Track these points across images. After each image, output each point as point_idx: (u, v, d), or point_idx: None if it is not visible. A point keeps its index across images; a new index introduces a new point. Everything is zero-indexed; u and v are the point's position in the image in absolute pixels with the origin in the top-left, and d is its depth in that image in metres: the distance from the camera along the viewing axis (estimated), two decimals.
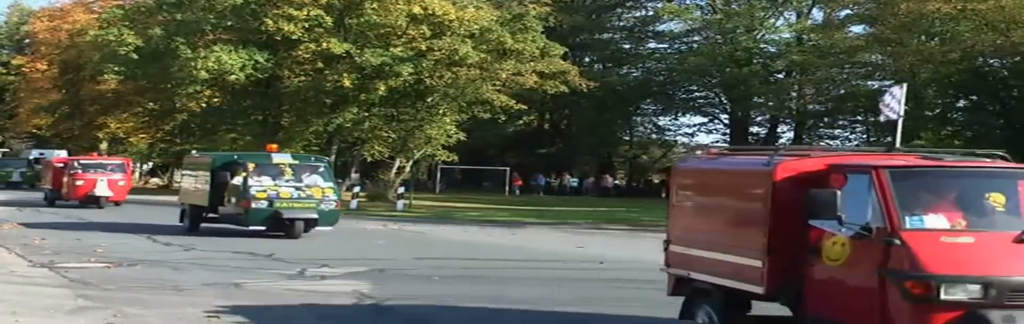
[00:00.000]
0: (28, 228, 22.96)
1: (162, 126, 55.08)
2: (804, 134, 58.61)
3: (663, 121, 63.83)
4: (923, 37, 45.14)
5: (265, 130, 47.13)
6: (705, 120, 60.90)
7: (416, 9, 41.66)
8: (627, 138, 65.40)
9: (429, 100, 44.69)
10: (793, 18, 57.11)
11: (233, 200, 21.87)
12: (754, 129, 59.69)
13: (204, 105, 49.46)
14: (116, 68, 45.47)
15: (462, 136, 45.40)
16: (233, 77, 41.92)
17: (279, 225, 21.34)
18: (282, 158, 23.12)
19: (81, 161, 35.01)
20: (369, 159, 48.47)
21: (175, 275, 14.29)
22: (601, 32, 62.02)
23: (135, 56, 43.46)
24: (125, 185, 34.44)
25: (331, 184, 22.43)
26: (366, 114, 44.24)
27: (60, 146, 61.34)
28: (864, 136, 57.72)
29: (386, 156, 48.04)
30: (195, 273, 14.54)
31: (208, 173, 22.98)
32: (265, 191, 21.38)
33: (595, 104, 55.40)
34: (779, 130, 59.38)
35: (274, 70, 43.76)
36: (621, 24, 63.10)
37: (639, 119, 64.60)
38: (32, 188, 48.41)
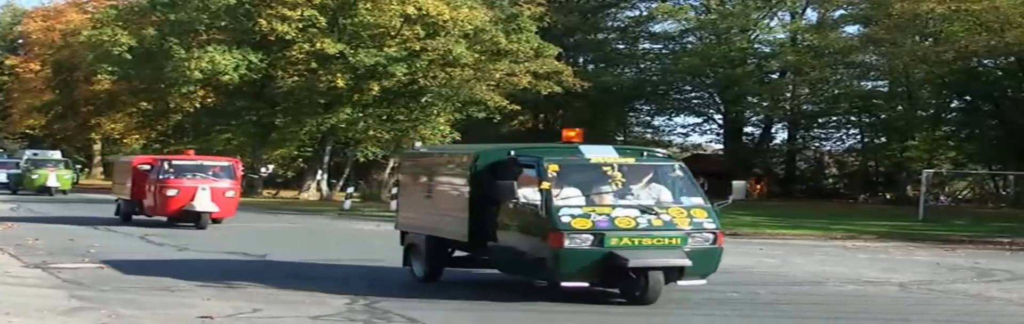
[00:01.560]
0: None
1: (156, 126, 55.08)
2: (798, 134, 58.67)
3: (657, 121, 63.88)
4: (917, 37, 45.24)
5: (259, 130, 47.14)
6: (699, 120, 60.95)
7: (410, 9, 41.67)
8: (621, 138, 65.35)
9: (423, 100, 44.69)
10: (787, 18, 57.18)
11: (518, 231, 12.18)
12: (748, 129, 59.77)
13: (198, 105, 49.49)
14: (110, 68, 45.49)
15: (456, 136, 45.42)
16: (227, 77, 41.91)
17: (615, 279, 11.88)
18: (602, 153, 12.76)
19: (174, 162, 25.67)
20: (362, 160, 48.48)
21: (169, 275, 14.26)
22: (595, 32, 62.01)
23: (128, 56, 43.45)
24: (234, 197, 25.48)
25: (700, 200, 12.41)
26: (360, 114, 44.24)
27: (53, 146, 61.29)
28: (858, 137, 57.77)
29: (379, 156, 48.06)
30: (189, 273, 14.50)
31: (463, 181, 13.04)
32: (587, 216, 11.74)
33: (589, 104, 55.39)
34: (773, 130, 59.46)
35: (268, 70, 43.75)
36: (615, 24, 63.09)
37: (633, 119, 64.60)
38: (65, 194, 42.84)
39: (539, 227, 11.73)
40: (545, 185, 11.77)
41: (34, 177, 43.62)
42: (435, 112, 45.04)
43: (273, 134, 47.92)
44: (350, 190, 41.26)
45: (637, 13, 61.71)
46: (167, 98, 49.67)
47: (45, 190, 42.86)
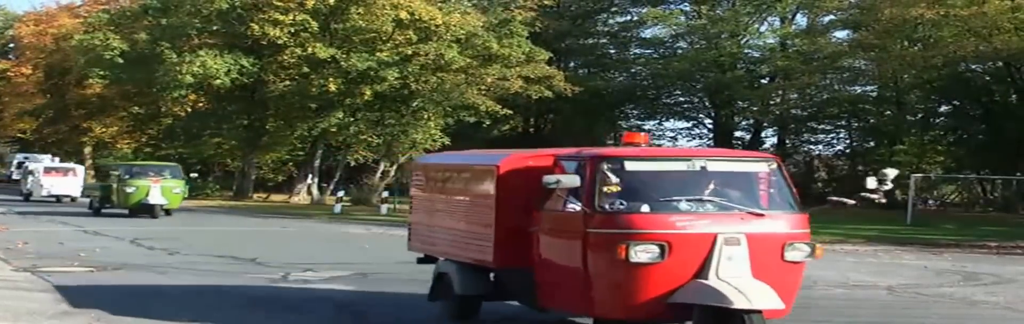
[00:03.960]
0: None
1: (147, 130, 54.99)
2: (787, 139, 58.79)
3: (648, 126, 63.93)
4: (906, 42, 45.39)
5: (250, 134, 47.18)
6: (689, 125, 61.08)
7: (403, 14, 41.76)
8: (611, 142, 65.36)
9: (414, 105, 44.76)
10: (777, 24, 57.31)
11: None
12: (738, 134, 59.85)
13: (189, 109, 49.51)
14: (101, 72, 45.47)
15: (447, 140, 45.47)
16: (218, 81, 41.95)
17: None
18: None
19: (625, 162, 8.87)
20: (353, 163, 48.51)
21: (159, 279, 14.29)
22: (586, 37, 62.13)
23: (120, 60, 43.46)
24: (802, 261, 9.02)
25: None
26: (351, 119, 44.30)
27: (44, 150, 61.20)
28: (847, 141, 57.94)
29: (370, 160, 48.11)
30: (179, 277, 14.54)
31: None
32: None
33: (580, 109, 55.47)
34: (762, 135, 59.56)
35: (259, 75, 43.81)
36: (606, 29, 63.20)
37: (623, 124, 64.65)
38: (169, 214, 31.44)
39: None
40: None
41: (130, 191, 31.10)
42: (426, 116, 45.09)
43: (264, 138, 47.98)
44: (340, 194, 41.35)
45: (628, 18, 61.87)
46: (159, 102, 49.70)
47: (145, 209, 30.95)
